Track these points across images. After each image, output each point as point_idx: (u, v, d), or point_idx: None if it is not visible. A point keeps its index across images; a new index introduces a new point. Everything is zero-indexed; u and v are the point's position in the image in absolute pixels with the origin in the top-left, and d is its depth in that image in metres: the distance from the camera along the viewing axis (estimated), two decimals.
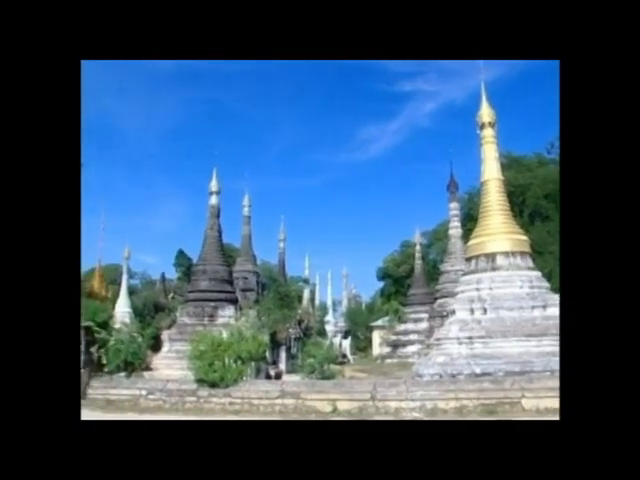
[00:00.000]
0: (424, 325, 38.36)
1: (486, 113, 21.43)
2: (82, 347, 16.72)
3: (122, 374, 17.28)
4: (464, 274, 21.84)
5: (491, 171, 21.28)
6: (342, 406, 13.77)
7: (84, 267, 61.31)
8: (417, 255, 43.97)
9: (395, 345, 39.99)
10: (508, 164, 42.62)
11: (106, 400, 15.66)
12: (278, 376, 24.38)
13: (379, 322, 49.72)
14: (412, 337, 38.88)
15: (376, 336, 49.40)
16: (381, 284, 68.74)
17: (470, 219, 38.67)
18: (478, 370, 16.92)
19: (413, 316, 40.46)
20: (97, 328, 17.85)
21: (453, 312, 20.34)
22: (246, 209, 42.23)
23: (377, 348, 46.90)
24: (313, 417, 13.41)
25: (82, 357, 16.46)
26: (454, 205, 38.72)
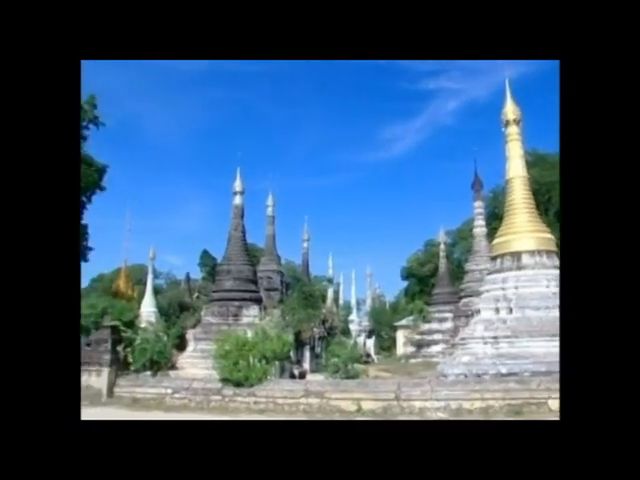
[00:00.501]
0: (448, 325, 38.13)
1: (511, 110, 21.19)
2: (109, 346, 16.94)
3: (148, 373, 17.44)
4: (489, 273, 21.62)
5: (516, 169, 21.02)
6: (366, 406, 13.74)
7: (110, 267, 61.78)
8: (441, 254, 43.69)
9: (419, 345, 39.83)
10: (533, 162, 42.02)
11: (132, 398, 15.84)
12: (302, 375, 24.41)
13: (403, 322, 49.53)
14: (436, 337, 38.69)
15: (400, 336, 49.22)
16: (405, 283, 68.53)
17: (495, 217, 38.28)
18: (504, 370, 16.74)
19: (437, 315, 40.25)
20: (123, 327, 18.12)
21: (478, 311, 20.16)
22: (270, 209, 42.30)
23: (401, 348, 46.75)
24: (337, 417, 13.41)
25: (109, 356, 16.68)
26: (479, 204, 38.33)
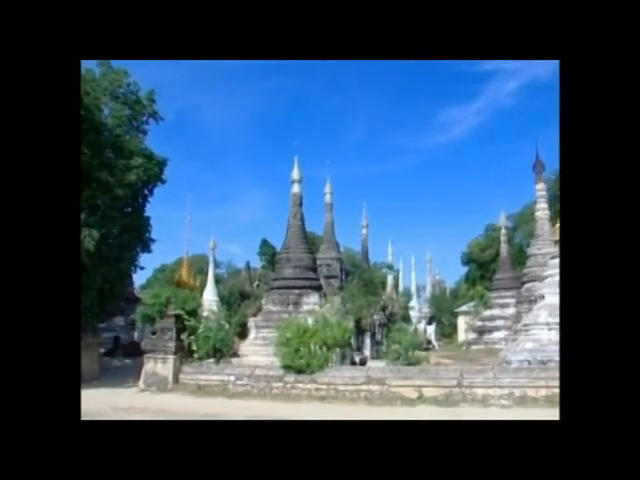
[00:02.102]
0: (511, 310, 37.49)
1: None
2: (173, 334, 17.35)
3: (211, 360, 17.80)
4: (552, 257, 21.06)
5: None
6: (428, 393, 13.63)
7: (172, 258, 63.32)
8: (502, 239, 42.93)
9: (481, 331, 39.27)
10: None
11: (197, 385, 16.22)
12: (363, 362, 24.42)
13: (464, 308, 49.04)
14: (498, 323, 38.07)
15: (461, 322, 48.76)
16: (465, 269, 67.54)
17: (558, 200, 37.24)
18: None
19: (499, 301, 39.58)
20: (187, 316, 18.42)
21: (542, 297, 19.70)
22: (328, 196, 42.28)
23: (462, 334, 46.31)
24: (399, 404, 13.38)
25: (173, 344, 17.10)
26: (541, 186, 37.29)
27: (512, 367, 16.27)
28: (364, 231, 49.44)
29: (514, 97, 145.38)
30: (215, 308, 30.86)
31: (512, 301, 37.70)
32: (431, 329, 51.71)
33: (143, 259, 24.30)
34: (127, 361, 26.29)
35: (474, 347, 37.13)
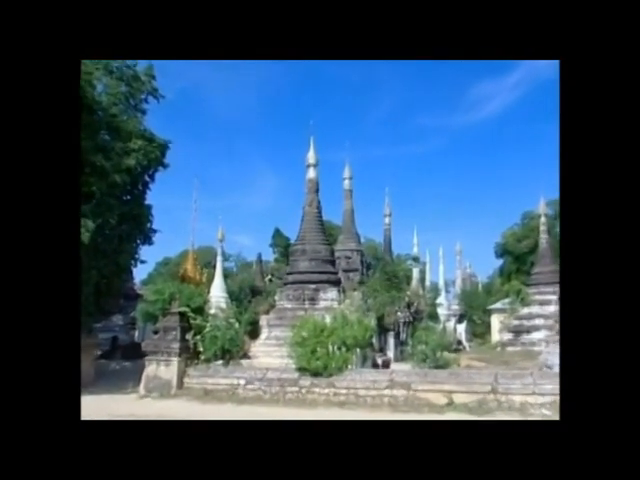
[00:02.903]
0: (552, 308, 37.09)
1: None
2: (177, 334, 17.37)
3: (219, 362, 17.79)
4: None
5: None
6: (459, 399, 13.54)
7: (176, 250, 63.70)
8: (542, 228, 42.56)
9: (518, 331, 39.00)
10: None
11: (203, 390, 16.25)
12: (386, 364, 24.36)
13: (498, 305, 48.68)
14: (538, 322, 37.77)
15: (495, 320, 48.46)
16: (500, 261, 67.12)
17: None
18: None
19: (538, 298, 39.24)
20: (192, 314, 18.42)
21: None
22: (347, 182, 42.18)
23: (497, 334, 45.96)
24: (426, 410, 13.28)
25: (178, 345, 17.11)
26: None
27: (554, 372, 16.07)
28: (387, 220, 49.36)
29: (556, 68, 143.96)
30: (224, 305, 30.92)
31: (553, 298, 37.22)
32: (461, 328, 51.49)
33: (144, 252, 24.30)
34: (126, 364, 26.46)
35: (510, 349, 36.92)
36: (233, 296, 37.93)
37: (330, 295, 28.78)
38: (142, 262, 24.38)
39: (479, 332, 54.21)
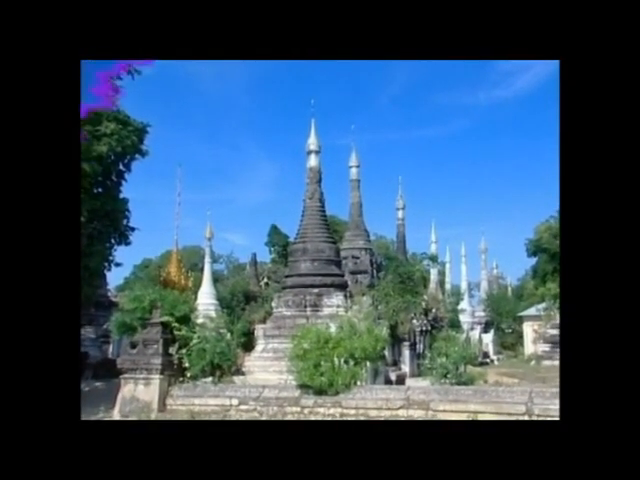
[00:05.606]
0: None
1: None
2: (159, 348, 17.34)
3: (208, 379, 17.75)
4: None
5: None
6: None
7: (159, 250, 63.72)
8: None
9: (555, 342, 39.02)
10: None
11: (189, 412, 16.18)
12: (401, 380, 24.42)
13: (532, 311, 48.76)
14: None
15: (528, 329, 48.58)
16: (533, 261, 66.93)
17: None
18: None
19: None
20: (177, 324, 18.37)
21: None
22: (354, 171, 42.26)
23: (530, 345, 46.15)
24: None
25: (159, 360, 17.08)
26: None
27: None
28: (400, 214, 49.44)
29: None
30: (213, 313, 30.99)
31: None
32: (488, 338, 51.65)
33: (119, 253, 24.12)
34: (98, 384, 26.32)
35: (546, 362, 37.07)
36: (224, 303, 38.08)
37: (335, 301, 28.87)
38: (117, 265, 24.49)
39: (509, 343, 54.35)
